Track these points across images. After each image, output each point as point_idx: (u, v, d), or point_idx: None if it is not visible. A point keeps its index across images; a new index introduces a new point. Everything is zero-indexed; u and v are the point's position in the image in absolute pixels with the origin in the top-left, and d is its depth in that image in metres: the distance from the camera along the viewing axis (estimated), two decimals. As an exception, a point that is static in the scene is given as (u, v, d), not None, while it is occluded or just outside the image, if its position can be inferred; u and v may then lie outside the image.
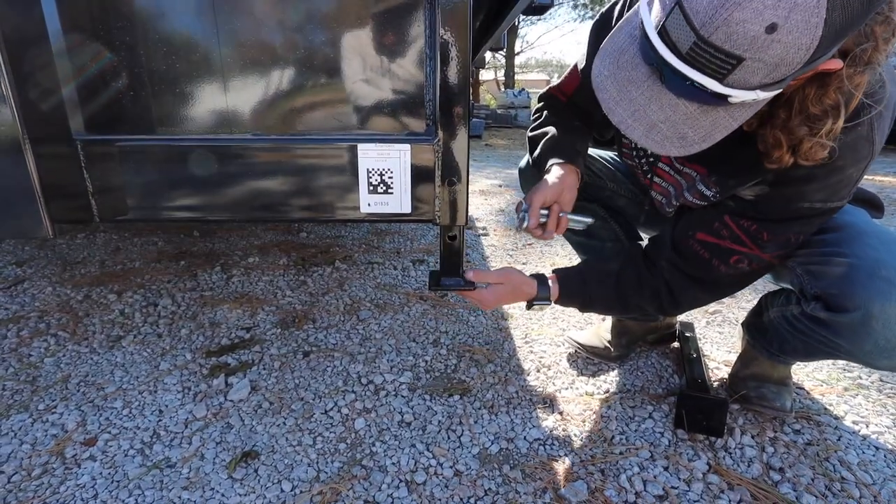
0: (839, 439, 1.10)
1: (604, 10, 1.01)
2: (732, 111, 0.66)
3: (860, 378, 1.32)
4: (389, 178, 0.88)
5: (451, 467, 1.01)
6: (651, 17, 0.62)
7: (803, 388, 1.27)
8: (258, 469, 1.00)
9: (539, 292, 1.05)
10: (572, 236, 1.34)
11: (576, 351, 1.42)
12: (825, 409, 1.20)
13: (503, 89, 14.13)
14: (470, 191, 0.96)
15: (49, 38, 0.79)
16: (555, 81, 1.15)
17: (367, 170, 0.87)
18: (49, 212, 0.87)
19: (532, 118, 1.15)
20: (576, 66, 1.07)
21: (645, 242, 1.11)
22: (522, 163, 1.29)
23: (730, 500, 0.94)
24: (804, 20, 0.53)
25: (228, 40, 0.80)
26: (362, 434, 1.11)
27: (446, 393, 1.25)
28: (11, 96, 0.79)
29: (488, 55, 3.27)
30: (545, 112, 1.11)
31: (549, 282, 1.06)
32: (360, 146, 0.86)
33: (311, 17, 0.80)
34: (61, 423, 1.12)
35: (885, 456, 1.05)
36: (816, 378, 1.32)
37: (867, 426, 1.14)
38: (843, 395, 1.25)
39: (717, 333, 1.57)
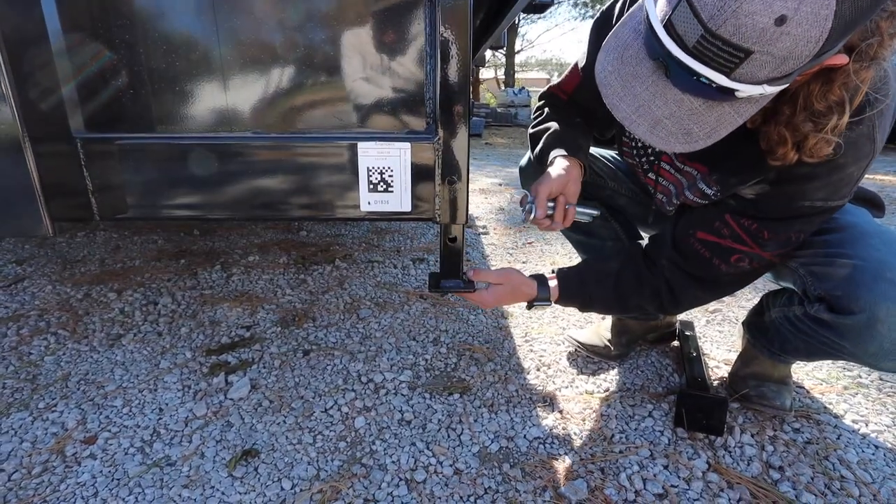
0: (839, 438, 1.10)
1: (604, 7, 1.00)
2: (738, 106, 0.65)
3: (860, 377, 1.32)
4: (389, 176, 0.87)
5: (450, 466, 1.01)
6: (657, 10, 0.62)
7: (803, 387, 1.27)
8: (258, 467, 1.01)
9: (539, 293, 1.05)
10: (572, 235, 1.34)
11: (576, 349, 1.42)
12: (825, 407, 1.20)
13: (503, 88, 14.13)
14: (470, 189, 0.96)
15: (49, 37, 0.78)
16: (555, 80, 1.15)
17: (368, 168, 0.87)
18: (49, 210, 0.87)
19: (532, 117, 1.15)
20: (576, 64, 1.06)
21: (645, 241, 1.11)
22: (523, 161, 1.29)
23: (729, 499, 0.94)
24: (814, 12, 0.52)
25: (228, 38, 0.80)
26: (362, 432, 1.11)
27: (446, 391, 1.25)
28: (11, 95, 0.79)
29: (488, 53, 3.27)
30: (546, 110, 1.11)
31: (549, 282, 1.06)
32: (361, 144, 0.86)
33: (311, 16, 0.80)
34: (61, 422, 1.12)
35: (884, 454, 1.05)
36: (816, 377, 1.32)
37: (867, 425, 1.14)
38: (843, 394, 1.25)
39: (717, 332, 1.57)
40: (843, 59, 0.63)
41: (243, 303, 1.70)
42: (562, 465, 1.02)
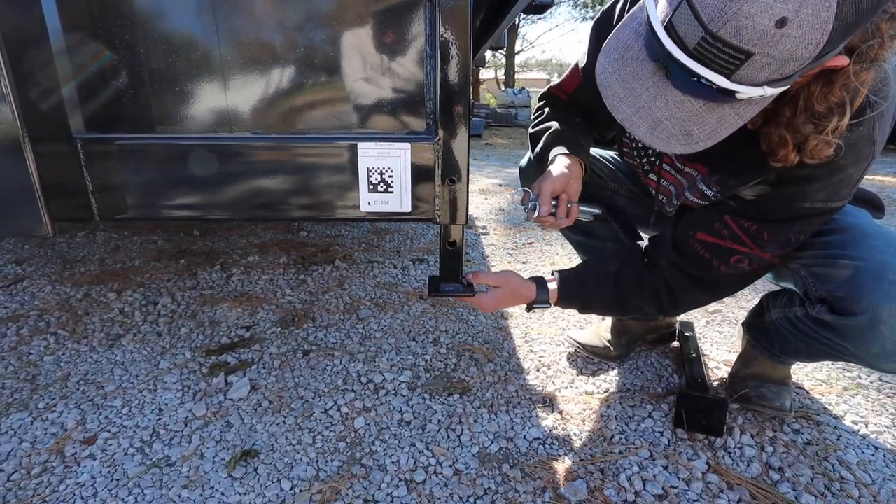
0: (838, 439, 1.10)
1: (605, 8, 1.00)
2: (739, 108, 0.65)
3: (859, 378, 1.32)
4: (389, 176, 0.87)
5: (450, 466, 1.01)
6: (657, 12, 0.61)
7: (803, 388, 1.27)
8: (258, 468, 1.00)
9: (538, 295, 1.05)
10: (572, 235, 1.34)
11: (575, 350, 1.42)
12: (825, 408, 1.20)
13: (503, 88, 14.14)
14: (470, 190, 0.96)
15: (49, 37, 0.78)
16: (555, 80, 1.15)
17: (367, 168, 0.87)
18: (49, 210, 0.87)
19: (533, 117, 1.15)
20: (577, 64, 1.06)
21: (645, 242, 1.11)
22: (523, 161, 1.29)
23: (729, 500, 0.94)
24: (815, 14, 0.52)
25: (228, 39, 0.80)
26: (362, 433, 1.11)
27: (446, 392, 1.25)
28: (11, 95, 0.79)
29: (488, 54, 3.27)
30: (546, 110, 1.11)
31: (548, 285, 1.06)
32: (361, 145, 0.86)
33: (311, 16, 0.80)
34: (61, 422, 1.12)
35: (884, 455, 1.05)
36: (816, 378, 1.32)
37: (866, 426, 1.14)
38: (843, 395, 1.25)
39: (717, 333, 1.57)
40: (843, 61, 0.62)
41: (243, 303, 1.70)
42: (561, 465, 1.02)
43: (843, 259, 0.86)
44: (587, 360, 1.40)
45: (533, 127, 1.12)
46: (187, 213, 0.91)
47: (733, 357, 1.31)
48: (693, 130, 0.68)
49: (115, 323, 1.56)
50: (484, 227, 2.77)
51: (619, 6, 0.96)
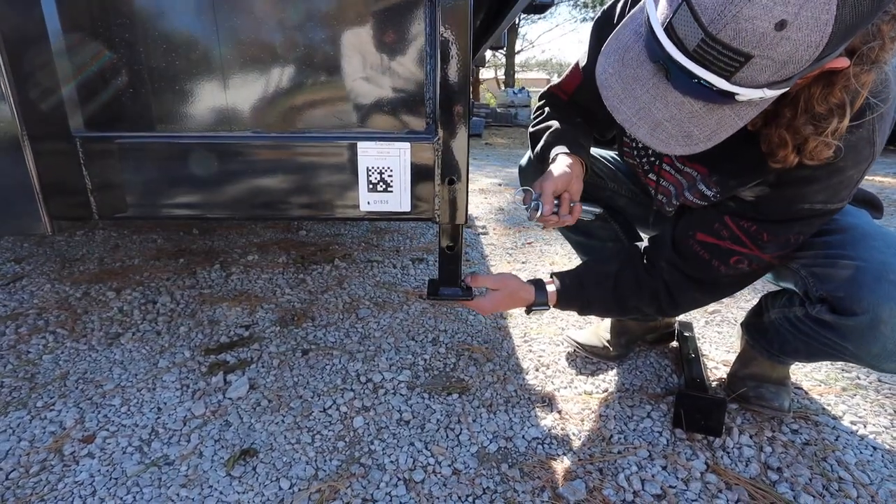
0: (837, 439, 1.10)
1: (605, 7, 1.00)
2: (738, 110, 0.65)
3: (858, 378, 1.32)
4: (389, 176, 0.87)
5: (449, 466, 1.01)
6: (657, 13, 0.61)
7: (801, 388, 1.27)
8: (256, 467, 1.00)
9: (537, 298, 1.05)
10: (572, 236, 1.34)
11: (575, 350, 1.42)
12: (823, 409, 1.20)
13: (503, 88, 14.14)
14: (470, 189, 0.96)
15: (49, 37, 0.78)
16: (555, 80, 1.15)
17: (367, 168, 0.87)
18: (48, 209, 0.87)
19: (533, 116, 1.15)
20: (577, 64, 1.06)
21: (644, 243, 1.11)
22: (523, 161, 1.29)
23: (728, 500, 0.94)
24: (814, 17, 0.52)
25: (228, 38, 0.80)
26: (361, 432, 1.11)
27: (445, 391, 1.25)
28: (11, 94, 0.79)
29: (488, 54, 3.26)
30: (546, 109, 1.11)
31: (547, 287, 1.06)
32: (360, 144, 0.85)
33: (311, 15, 0.80)
34: (59, 420, 1.12)
35: (882, 456, 1.06)
36: (815, 378, 1.32)
37: (865, 426, 1.14)
38: (842, 396, 1.25)
39: (716, 333, 1.57)
40: (844, 63, 0.62)
41: (242, 302, 1.70)
42: (560, 465, 1.02)
43: (843, 259, 0.86)
44: (586, 359, 1.40)
45: (533, 126, 1.12)
46: (187, 212, 0.91)
47: (732, 357, 1.31)
48: (693, 132, 0.68)
49: (114, 321, 1.56)
50: (483, 227, 2.77)
51: (619, 6, 0.96)
